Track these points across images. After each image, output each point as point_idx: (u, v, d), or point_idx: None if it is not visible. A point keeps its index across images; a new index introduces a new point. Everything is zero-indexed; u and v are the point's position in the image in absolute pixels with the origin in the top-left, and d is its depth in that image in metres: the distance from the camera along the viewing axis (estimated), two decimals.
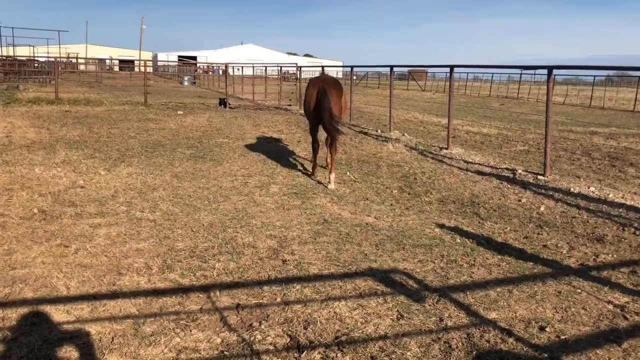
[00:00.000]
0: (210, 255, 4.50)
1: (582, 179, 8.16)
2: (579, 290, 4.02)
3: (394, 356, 3.00)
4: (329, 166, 7.86)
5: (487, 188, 7.49)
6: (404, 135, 12.76)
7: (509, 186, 7.57)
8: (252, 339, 3.16)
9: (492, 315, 3.54)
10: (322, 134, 8.20)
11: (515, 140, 12.88)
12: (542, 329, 3.36)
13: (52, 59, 25.64)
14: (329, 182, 7.47)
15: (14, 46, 40.53)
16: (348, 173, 8.34)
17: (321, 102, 7.51)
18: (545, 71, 8.35)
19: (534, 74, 44.19)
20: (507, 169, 8.69)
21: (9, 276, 3.93)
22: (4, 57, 34.34)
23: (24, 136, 10.28)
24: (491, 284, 4.11)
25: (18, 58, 36.42)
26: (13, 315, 3.34)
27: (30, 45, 46.04)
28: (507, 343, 3.16)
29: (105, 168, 7.74)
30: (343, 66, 27.38)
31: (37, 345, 3.00)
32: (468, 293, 3.91)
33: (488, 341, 3.18)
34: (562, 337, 3.27)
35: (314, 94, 7.76)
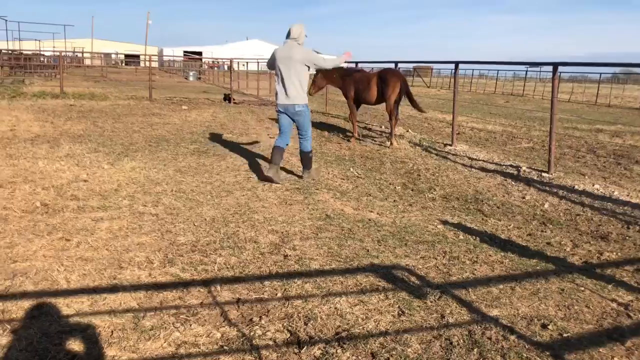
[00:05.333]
0: (211, 250, 4.49)
1: (586, 177, 8.11)
2: (582, 288, 3.99)
3: (394, 352, 2.98)
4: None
5: (491, 185, 7.45)
6: (407, 131, 12.72)
7: (513, 183, 7.53)
8: (252, 334, 3.14)
9: (494, 312, 3.52)
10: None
11: (519, 137, 12.82)
12: (544, 326, 3.33)
13: (58, 53, 25.64)
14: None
15: (19, 40, 40.60)
16: (351, 169, 8.32)
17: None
18: (550, 68, 8.30)
19: (540, 71, 44.04)
20: (511, 166, 8.65)
21: (10, 269, 3.92)
22: (10, 52, 34.41)
23: (28, 130, 10.29)
24: (494, 281, 4.09)
25: (24, 52, 36.45)
26: (13, 308, 3.33)
27: (36, 40, 46.10)
28: (509, 340, 3.14)
29: (108, 162, 7.74)
30: (348, 62, 27.21)
31: (36, 338, 2.99)
32: (470, 290, 3.88)
33: (490, 338, 3.16)
34: (565, 335, 3.24)
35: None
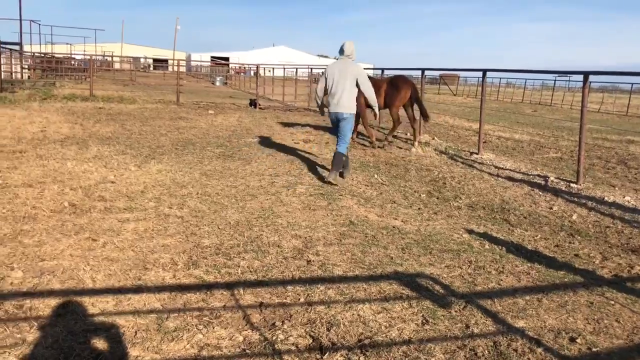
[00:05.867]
0: (235, 253, 4.50)
1: (617, 188, 7.94)
2: (612, 302, 3.89)
3: None
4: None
5: (517, 194, 7.35)
6: (433, 139, 12.63)
7: (540, 193, 7.41)
8: (274, 338, 3.13)
9: (520, 323, 3.45)
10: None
11: (547, 146, 12.63)
12: (572, 340, 3.26)
13: (88, 57, 26.16)
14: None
15: (52, 44, 41.56)
16: (376, 176, 8.28)
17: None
18: (580, 77, 8.17)
19: (569, 80, 43.44)
20: (539, 175, 8.52)
21: (37, 267, 3.99)
22: (42, 55, 35.19)
23: (58, 131, 10.49)
24: (520, 292, 4.01)
25: (56, 55, 37.26)
26: (40, 305, 3.38)
27: (67, 43, 47.12)
28: (536, 353, 3.07)
29: (135, 164, 7.84)
30: (374, 68, 26.94)
31: (62, 336, 3.03)
32: (496, 300, 3.82)
33: (515, 350, 3.09)
34: (594, 349, 3.16)
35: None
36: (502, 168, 9.17)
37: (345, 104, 7.65)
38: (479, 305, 3.71)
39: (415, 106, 11.14)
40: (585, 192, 7.40)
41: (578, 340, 3.24)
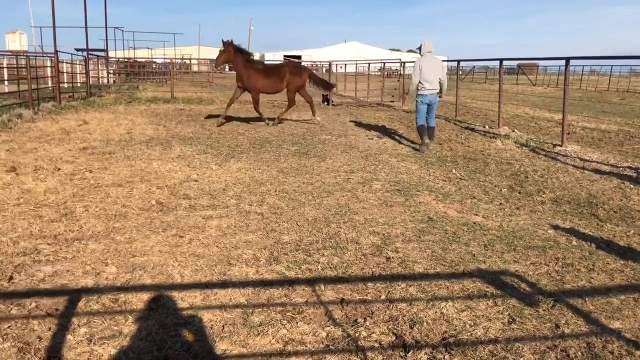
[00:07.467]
0: (314, 249, 4.55)
1: None
2: None
3: None
4: None
5: (606, 188, 6.97)
6: (513, 131, 12.21)
7: (631, 186, 6.99)
8: (357, 335, 3.14)
9: (616, 324, 3.27)
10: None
11: (638, 137, 11.90)
12: None
13: (168, 60, 27.22)
14: None
15: (134, 49, 43.52)
16: (454, 170, 8.11)
17: None
18: None
19: None
20: (629, 167, 8.05)
21: (129, 263, 4.20)
22: (126, 60, 36.96)
23: (143, 132, 10.99)
24: (613, 290, 3.81)
25: (138, 60, 39.03)
26: (133, 299, 3.56)
27: (148, 48, 49.22)
28: (634, 356, 2.90)
29: (216, 163, 8.08)
30: (448, 60, 26.03)
31: (154, 329, 3.17)
32: (587, 299, 3.65)
33: (612, 352, 2.94)
34: None
35: None
36: (588, 160, 8.74)
37: (438, 87, 9.92)
38: (568, 304, 3.56)
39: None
40: None
41: None
